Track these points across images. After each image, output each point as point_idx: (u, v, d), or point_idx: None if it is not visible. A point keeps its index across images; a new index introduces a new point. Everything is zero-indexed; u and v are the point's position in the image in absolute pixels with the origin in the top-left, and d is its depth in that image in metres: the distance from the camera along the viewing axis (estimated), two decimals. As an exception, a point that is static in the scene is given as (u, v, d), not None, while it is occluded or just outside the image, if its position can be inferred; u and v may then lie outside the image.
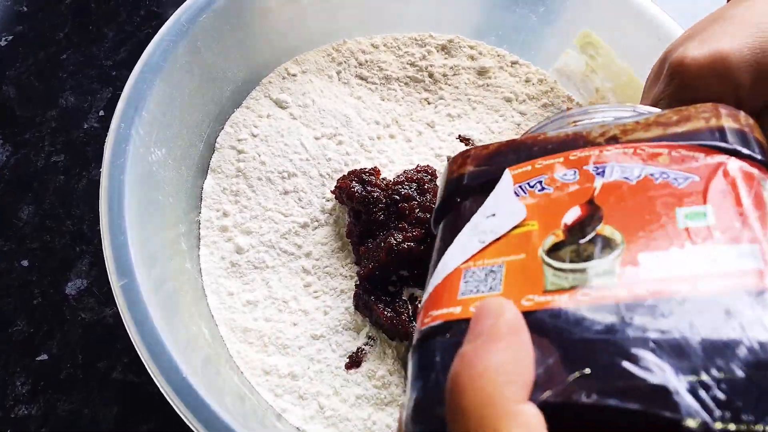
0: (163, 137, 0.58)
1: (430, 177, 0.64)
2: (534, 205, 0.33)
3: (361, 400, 0.57)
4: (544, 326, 0.28)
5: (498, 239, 0.33)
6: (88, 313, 0.68)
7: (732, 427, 0.23)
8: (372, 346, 0.59)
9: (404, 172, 0.65)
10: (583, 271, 0.29)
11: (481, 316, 0.28)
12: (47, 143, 0.76)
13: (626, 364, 0.25)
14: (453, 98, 0.73)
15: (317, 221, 0.65)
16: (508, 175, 0.36)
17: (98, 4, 0.86)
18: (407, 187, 0.62)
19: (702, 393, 0.24)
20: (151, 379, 0.49)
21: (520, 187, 0.35)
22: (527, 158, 0.36)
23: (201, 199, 0.64)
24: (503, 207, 0.34)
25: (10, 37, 0.83)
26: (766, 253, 0.27)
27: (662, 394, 0.24)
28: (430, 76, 0.73)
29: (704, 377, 0.24)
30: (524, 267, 0.31)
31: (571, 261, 0.30)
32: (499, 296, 0.30)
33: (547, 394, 0.25)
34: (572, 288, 0.28)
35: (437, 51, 0.75)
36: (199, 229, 0.63)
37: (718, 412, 0.23)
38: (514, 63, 0.75)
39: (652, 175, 0.32)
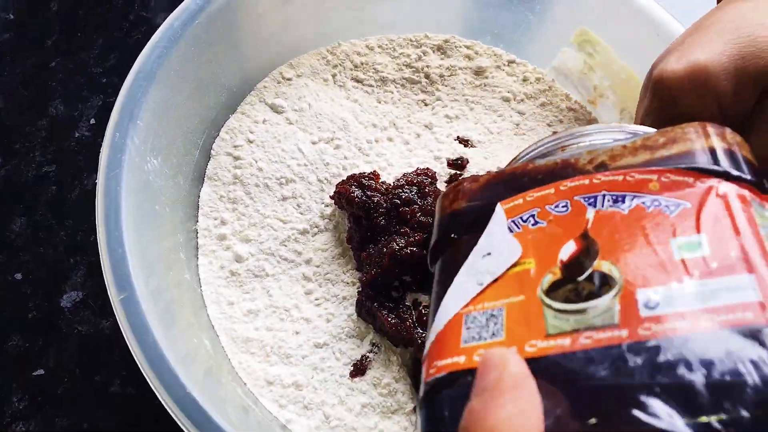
0: (159, 146, 0.57)
1: (430, 180, 0.64)
2: (529, 241, 0.33)
3: (366, 408, 0.56)
4: (550, 373, 0.27)
5: (496, 280, 0.32)
6: (84, 325, 0.66)
7: None
8: (376, 353, 0.58)
9: (404, 175, 0.64)
10: (583, 311, 0.29)
11: (486, 368, 0.27)
12: (38, 153, 0.75)
13: (634, 412, 0.25)
14: (450, 99, 0.72)
15: (317, 227, 0.64)
16: (500, 210, 0.35)
17: (86, 11, 0.84)
18: (408, 191, 0.61)
19: None
20: (152, 391, 0.48)
21: (513, 222, 0.34)
22: (518, 190, 0.36)
23: (198, 208, 0.63)
24: (498, 245, 0.34)
25: (-3, 46, 0.81)
26: (764, 281, 0.27)
27: None
28: (427, 77, 0.73)
29: (712, 420, 0.24)
30: (524, 309, 0.30)
31: (571, 301, 0.30)
32: (501, 343, 0.30)
33: None
34: (574, 331, 0.28)
35: (433, 52, 0.74)
36: (197, 238, 0.62)
37: None
38: (510, 62, 0.74)
39: (643, 203, 0.32)
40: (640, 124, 0.48)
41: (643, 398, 0.25)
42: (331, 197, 0.63)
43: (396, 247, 0.58)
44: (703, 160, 0.32)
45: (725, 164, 0.32)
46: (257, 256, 0.62)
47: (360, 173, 0.63)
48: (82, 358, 0.65)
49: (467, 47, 0.74)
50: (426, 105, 0.72)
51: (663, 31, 0.64)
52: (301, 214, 0.64)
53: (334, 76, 0.72)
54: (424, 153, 0.68)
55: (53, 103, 0.78)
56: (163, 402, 0.47)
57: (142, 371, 0.48)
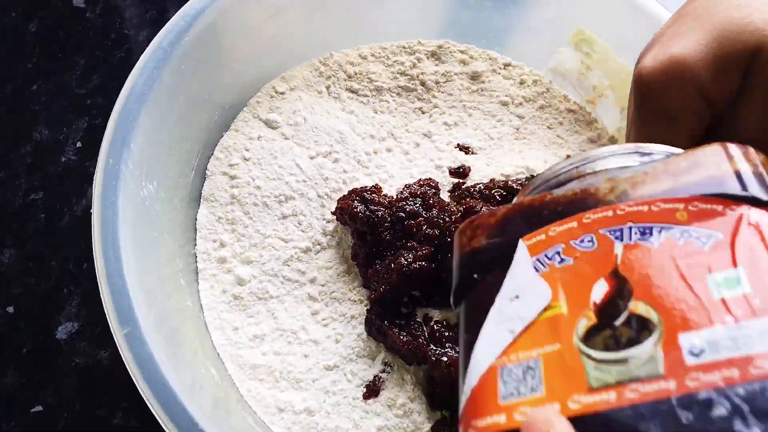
0: (154, 170, 0.55)
1: (433, 190, 0.62)
2: (557, 281, 0.31)
3: (383, 431, 0.54)
4: None
5: (528, 327, 0.31)
6: (81, 357, 0.64)
7: None
8: (389, 372, 0.57)
9: (406, 187, 0.63)
10: (624, 361, 0.27)
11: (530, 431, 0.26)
12: (24, 181, 0.72)
13: None
14: (448, 106, 0.70)
15: (319, 245, 0.62)
16: (523, 248, 0.33)
17: (66, 31, 0.82)
18: (412, 203, 0.60)
19: None
20: (157, 424, 0.46)
21: (538, 260, 0.33)
22: (539, 224, 0.34)
23: (196, 231, 0.61)
24: (526, 287, 0.32)
25: (-25, 71, 0.78)
26: None
27: None
28: (422, 84, 0.71)
29: None
30: (562, 359, 0.29)
31: (610, 349, 0.28)
32: (542, 400, 0.28)
33: None
34: (618, 384, 0.27)
35: (427, 58, 0.72)
36: (196, 262, 0.60)
37: None
38: (506, 65, 0.72)
39: (673, 235, 0.30)
40: (629, 121, 0.48)
41: None
42: (333, 213, 0.62)
43: (404, 262, 0.56)
44: (730, 186, 0.31)
45: (754, 189, 0.30)
46: (260, 277, 0.60)
47: (362, 187, 0.61)
48: (81, 391, 0.62)
49: (461, 52, 0.73)
50: (423, 113, 0.70)
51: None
52: (303, 231, 0.62)
53: (328, 87, 0.70)
54: (425, 162, 0.67)
55: (37, 127, 0.75)
56: (171, 436, 0.45)
57: (148, 404, 0.46)
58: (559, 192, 0.35)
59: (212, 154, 0.64)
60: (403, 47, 0.72)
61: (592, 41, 0.68)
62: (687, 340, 0.26)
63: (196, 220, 0.62)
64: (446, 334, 0.56)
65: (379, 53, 0.72)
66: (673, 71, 0.41)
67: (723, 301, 0.27)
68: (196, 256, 0.60)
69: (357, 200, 0.60)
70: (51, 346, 0.64)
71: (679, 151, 0.35)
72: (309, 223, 0.62)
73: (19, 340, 0.64)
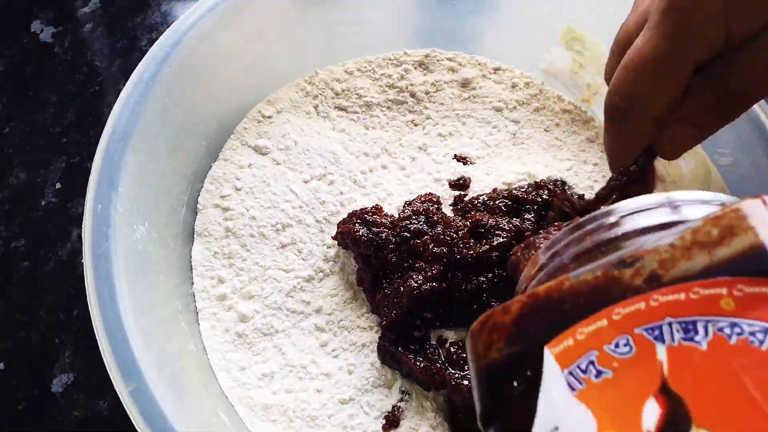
0: (144, 210, 0.52)
1: (436, 206, 0.60)
2: (599, 405, 0.27)
3: (408, 463, 0.52)
4: None
5: None
6: (80, 409, 0.61)
7: None
8: (407, 401, 0.54)
9: (407, 204, 0.60)
10: None
11: None
12: (3, 228, 0.69)
13: None
14: (440, 116, 0.68)
15: (322, 272, 0.59)
16: (551, 360, 0.29)
17: (34, 68, 0.78)
18: (415, 222, 0.57)
19: None
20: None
21: (571, 374, 0.28)
22: (563, 325, 0.29)
23: (192, 269, 0.58)
24: (564, 415, 0.27)
25: (-58, 117, 0.75)
26: None
27: None
28: (412, 95, 0.69)
29: None
30: None
31: None
32: None
33: None
34: None
35: (415, 68, 0.70)
36: (195, 302, 0.57)
37: None
38: (496, 69, 0.70)
39: (722, 331, 0.25)
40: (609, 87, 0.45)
41: None
42: (334, 238, 0.59)
43: (414, 284, 0.54)
44: None
45: None
46: (263, 312, 0.57)
47: (362, 209, 0.59)
48: (83, 446, 0.59)
49: (449, 59, 0.71)
50: (416, 125, 0.68)
51: (655, 20, 0.61)
52: (304, 260, 0.59)
53: (316, 107, 0.67)
54: (423, 177, 0.64)
55: (13, 171, 0.72)
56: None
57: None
58: (577, 276, 0.30)
59: (202, 186, 0.61)
60: (389, 59, 0.70)
61: (583, 39, 0.67)
62: None
63: (191, 257, 0.59)
64: (464, 355, 0.54)
65: (365, 67, 0.69)
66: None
67: None
68: (194, 296, 0.58)
69: (358, 223, 0.57)
70: (47, 400, 0.61)
71: (714, 197, 0.31)
72: (309, 250, 0.60)
73: (13, 396, 0.61)
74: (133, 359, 0.44)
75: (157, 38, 0.58)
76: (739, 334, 0.25)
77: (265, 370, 0.55)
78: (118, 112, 0.52)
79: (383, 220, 0.58)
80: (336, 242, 0.59)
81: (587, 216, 0.34)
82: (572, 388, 0.27)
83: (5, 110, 0.75)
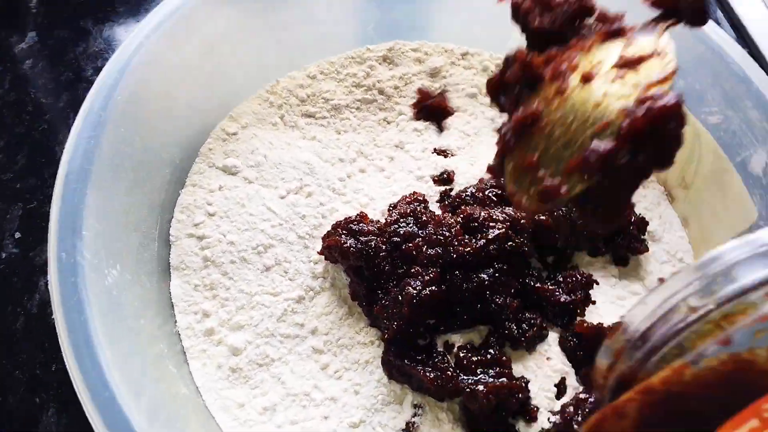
0: (113, 252, 0.48)
1: (423, 205, 0.57)
2: None
3: (432, 482, 0.49)
4: None
5: None
6: (73, 471, 0.57)
7: None
8: (422, 415, 0.51)
9: (392, 207, 0.57)
10: None
11: None
12: (-36, 288, 0.64)
13: None
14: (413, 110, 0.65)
15: (312, 290, 0.56)
16: None
17: (-24, 113, 0.74)
18: (404, 224, 0.54)
19: None
20: None
21: None
22: (698, 424, 0.24)
23: (173, 306, 0.54)
24: None
25: None
26: None
27: None
28: (381, 92, 0.66)
29: None
30: None
31: None
32: None
33: None
34: None
35: (379, 64, 0.67)
36: (181, 341, 0.53)
37: None
38: (464, 54, 0.67)
39: None
40: None
41: None
42: (320, 253, 0.56)
43: (412, 291, 0.50)
44: None
45: None
46: (255, 342, 0.53)
47: (346, 218, 0.55)
48: None
49: (414, 50, 0.67)
50: (389, 123, 0.65)
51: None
52: (291, 280, 0.56)
53: (282, 117, 0.64)
54: (404, 176, 0.61)
55: (-33, 225, 0.67)
56: None
57: None
58: (698, 363, 0.25)
59: (172, 217, 0.57)
60: (352, 58, 0.67)
61: (550, 11, 0.64)
62: None
63: (170, 294, 0.55)
64: (474, 359, 0.51)
65: (328, 69, 0.66)
66: None
67: None
68: (179, 335, 0.54)
69: (344, 234, 0.54)
70: (35, 466, 0.57)
71: None
72: (296, 269, 0.56)
73: (-3, 468, 0.57)
74: (121, 413, 0.40)
75: (102, 66, 0.54)
76: None
77: (265, 403, 0.51)
78: (71, 151, 0.48)
79: (370, 228, 0.54)
80: (323, 257, 0.56)
81: (684, 272, 0.28)
82: None
83: (-50, 162, 0.70)
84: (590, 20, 0.39)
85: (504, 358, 0.51)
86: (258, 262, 0.56)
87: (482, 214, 0.54)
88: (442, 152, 0.63)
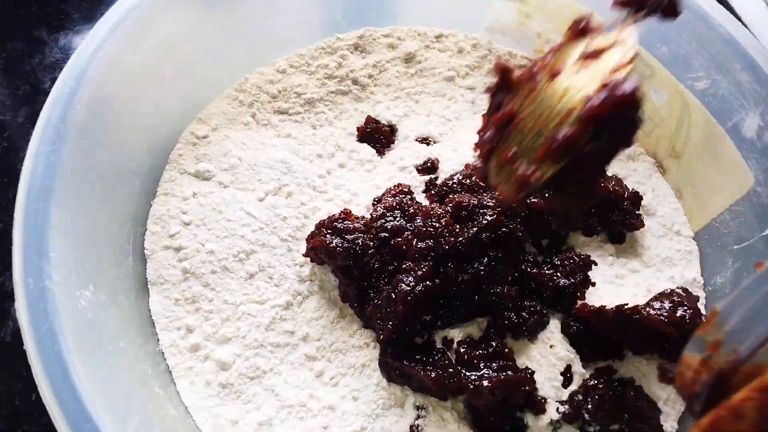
0: (85, 272, 0.45)
1: (408, 196, 0.54)
2: None
3: (443, 486, 0.46)
4: None
5: None
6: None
7: None
8: (425, 417, 0.49)
9: (377, 201, 0.55)
10: None
11: None
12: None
13: None
14: (390, 99, 0.62)
15: (300, 295, 0.53)
16: None
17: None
18: (391, 218, 0.51)
19: None
20: None
21: None
22: None
23: (154, 324, 0.51)
24: None
25: None
26: None
27: None
28: (355, 82, 0.63)
29: None
30: None
31: None
32: None
33: None
34: None
35: (351, 53, 0.64)
36: (165, 360, 0.50)
37: None
38: (438, 37, 0.65)
39: None
40: None
41: None
42: (305, 255, 0.53)
43: (405, 288, 0.48)
44: None
45: None
46: (244, 354, 0.51)
47: (329, 217, 0.53)
48: None
49: (386, 36, 0.65)
50: (364, 113, 0.62)
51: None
52: (277, 286, 0.53)
53: (253, 116, 0.61)
54: (386, 168, 0.58)
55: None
56: None
57: None
58: None
59: (146, 229, 0.54)
60: (322, 48, 0.64)
61: (524, -14, 0.62)
62: None
63: (150, 311, 0.52)
64: (475, 353, 0.49)
65: (298, 62, 0.63)
66: None
67: None
68: (162, 353, 0.51)
69: (329, 233, 0.51)
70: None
71: None
72: (281, 274, 0.53)
73: None
74: (108, 451, 0.37)
75: (62, 77, 0.50)
76: None
77: (260, 418, 0.49)
78: (30, 168, 0.45)
79: (355, 225, 0.52)
80: (308, 259, 0.53)
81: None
82: None
83: None
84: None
85: (506, 349, 0.49)
86: (240, 270, 0.53)
87: (472, 201, 0.51)
88: (424, 140, 0.60)
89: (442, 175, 0.57)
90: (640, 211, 0.57)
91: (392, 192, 0.54)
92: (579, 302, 0.52)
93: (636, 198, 0.57)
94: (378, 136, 0.60)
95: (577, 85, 0.38)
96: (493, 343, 0.49)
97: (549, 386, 0.49)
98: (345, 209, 0.53)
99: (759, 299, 0.26)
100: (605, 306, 0.50)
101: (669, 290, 0.52)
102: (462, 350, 0.49)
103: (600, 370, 0.51)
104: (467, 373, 0.48)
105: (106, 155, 0.51)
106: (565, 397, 0.49)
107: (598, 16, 0.42)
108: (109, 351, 0.45)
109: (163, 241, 0.54)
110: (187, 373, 0.50)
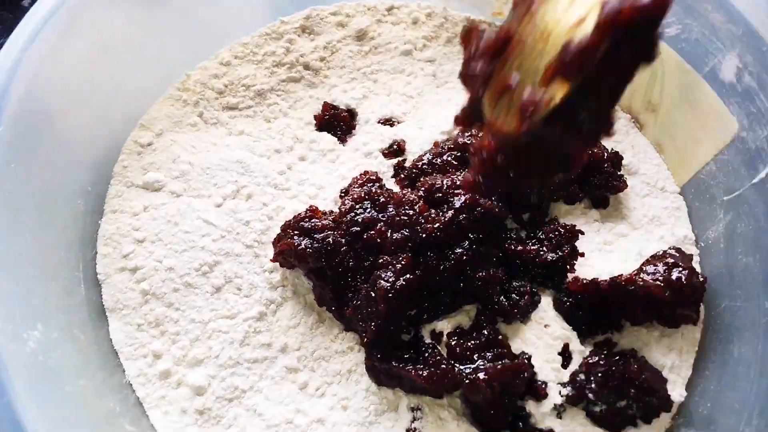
0: (30, 310, 0.41)
1: (377, 184, 0.51)
2: None
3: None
4: None
5: None
6: None
7: None
8: (422, 418, 0.46)
9: (344, 193, 0.51)
10: None
11: None
12: None
13: None
14: (345, 81, 0.59)
15: (273, 303, 0.50)
16: None
17: None
18: (361, 210, 0.48)
19: None
20: None
21: None
22: None
23: (117, 354, 0.47)
24: None
25: None
26: None
27: None
28: (306, 67, 0.59)
29: None
30: None
31: None
32: None
33: None
34: None
35: (299, 36, 0.60)
36: (134, 392, 0.46)
37: None
38: (390, 9, 0.61)
39: None
40: None
41: None
42: (273, 260, 0.49)
43: (385, 284, 0.45)
44: None
45: None
46: (220, 375, 0.47)
47: (295, 216, 0.49)
48: None
49: (333, 14, 0.61)
50: (320, 100, 0.58)
51: None
52: (247, 297, 0.50)
53: (200, 115, 0.56)
54: (351, 156, 0.55)
55: None
56: None
57: None
58: None
59: (96, 252, 0.50)
60: (267, 34, 0.59)
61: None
62: None
63: (111, 341, 0.48)
64: (467, 344, 0.46)
65: (243, 52, 0.59)
66: None
67: None
68: (131, 385, 0.47)
69: (296, 234, 0.48)
70: None
71: None
72: (250, 283, 0.50)
73: None
74: None
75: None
76: None
77: (245, 441, 0.45)
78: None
79: (324, 222, 0.48)
80: (278, 264, 0.50)
81: None
82: None
83: None
84: None
85: (499, 336, 0.46)
86: (205, 285, 0.49)
87: (445, 182, 0.48)
88: (387, 121, 0.56)
89: (411, 156, 0.54)
90: (622, 172, 0.54)
91: (359, 181, 0.51)
92: (570, 275, 0.49)
93: (616, 158, 0.54)
94: (337, 122, 0.56)
95: None
96: (485, 331, 0.46)
97: (548, 369, 0.46)
98: (311, 206, 0.50)
99: None
100: (597, 278, 0.47)
101: (661, 252, 0.49)
102: (453, 343, 0.46)
103: (599, 344, 0.48)
104: (461, 367, 0.45)
105: (41, 178, 0.46)
106: (566, 379, 0.46)
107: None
108: (67, 393, 0.42)
109: (116, 263, 0.50)
110: (159, 403, 0.46)
